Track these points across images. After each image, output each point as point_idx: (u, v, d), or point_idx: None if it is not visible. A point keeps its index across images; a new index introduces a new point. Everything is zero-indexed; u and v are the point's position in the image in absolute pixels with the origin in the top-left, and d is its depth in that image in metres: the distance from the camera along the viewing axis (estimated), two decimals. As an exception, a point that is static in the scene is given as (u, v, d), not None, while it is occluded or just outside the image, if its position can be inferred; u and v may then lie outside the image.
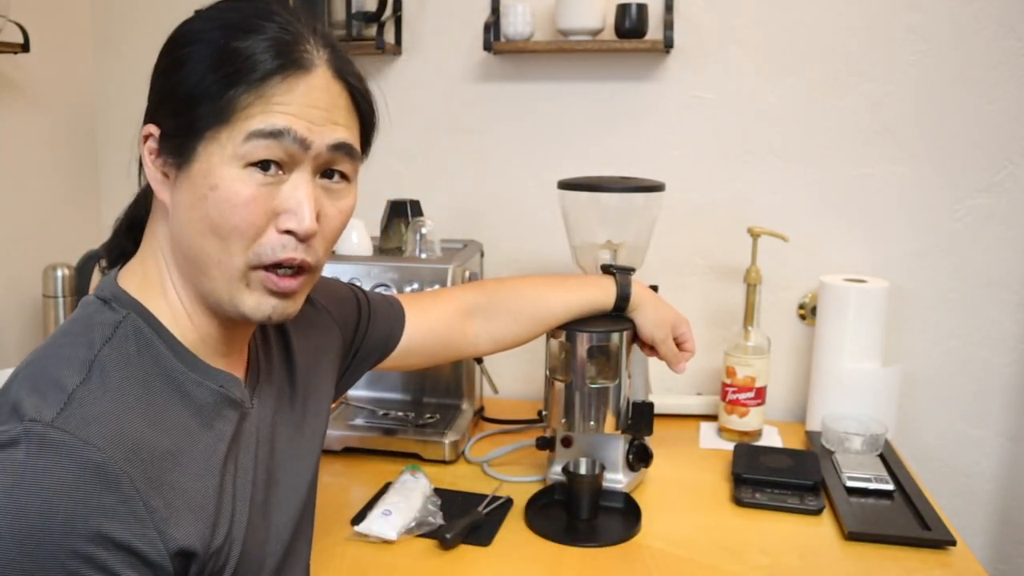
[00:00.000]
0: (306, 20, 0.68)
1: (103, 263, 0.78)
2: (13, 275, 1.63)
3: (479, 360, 1.46)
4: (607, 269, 1.23)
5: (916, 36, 1.48)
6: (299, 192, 0.65)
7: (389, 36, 1.66)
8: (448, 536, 1.10)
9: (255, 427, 0.76)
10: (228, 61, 0.63)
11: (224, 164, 0.63)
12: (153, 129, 0.67)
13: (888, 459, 1.35)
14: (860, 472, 1.28)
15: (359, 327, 0.99)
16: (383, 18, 1.59)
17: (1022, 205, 1.49)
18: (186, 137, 0.64)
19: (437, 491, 1.24)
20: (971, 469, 1.58)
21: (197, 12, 0.68)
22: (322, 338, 0.91)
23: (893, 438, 1.46)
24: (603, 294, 1.18)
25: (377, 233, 1.53)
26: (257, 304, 0.67)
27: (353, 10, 1.59)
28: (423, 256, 1.43)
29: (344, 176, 0.70)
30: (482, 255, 1.61)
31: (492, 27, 1.56)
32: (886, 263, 1.55)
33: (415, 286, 1.35)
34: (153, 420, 0.64)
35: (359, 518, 1.16)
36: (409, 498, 1.18)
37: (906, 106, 1.51)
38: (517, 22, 1.55)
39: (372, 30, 1.60)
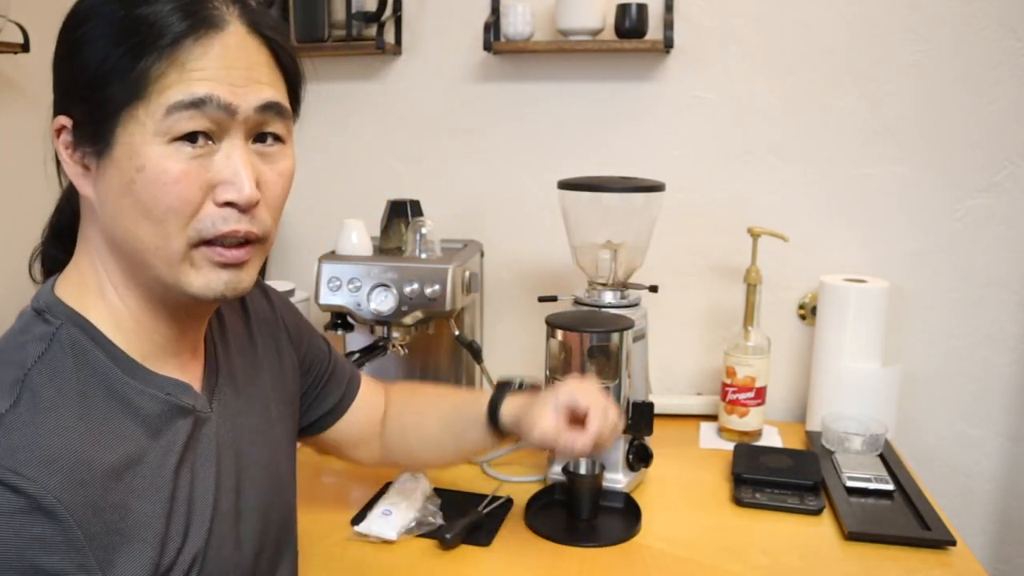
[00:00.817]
0: None
1: (40, 275, 0.74)
2: (13, 275, 1.63)
3: (479, 360, 1.46)
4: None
5: (916, 36, 1.48)
6: (233, 160, 0.61)
7: (389, 36, 1.66)
8: (448, 536, 1.10)
9: (214, 432, 0.72)
10: (133, 30, 0.58)
11: (147, 143, 0.59)
12: (64, 120, 0.62)
13: (888, 459, 1.35)
14: (860, 472, 1.28)
15: (317, 369, 0.96)
16: (383, 18, 1.59)
17: (1022, 205, 1.49)
18: (101, 121, 0.60)
19: (437, 491, 1.24)
20: (971, 469, 1.58)
21: None
22: (285, 343, 0.89)
23: (893, 438, 1.46)
24: (476, 402, 1.01)
25: (377, 233, 1.53)
26: (207, 282, 0.63)
27: (353, 10, 1.59)
28: (423, 256, 1.43)
29: (278, 138, 0.66)
30: (482, 255, 1.61)
31: (492, 27, 1.56)
32: (886, 263, 1.55)
33: (415, 286, 1.35)
34: (93, 437, 0.60)
35: (359, 518, 1.16)
36: (409, 498, 1.18)
37: (906, 106, 1.51)
38: (517, 22, 1.55)
39: (372, 30, 1.60)
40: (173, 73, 0.59)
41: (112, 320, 0.65)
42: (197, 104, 0.59)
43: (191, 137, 0.60)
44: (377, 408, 1.06)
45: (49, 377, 0.60)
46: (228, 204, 0.61)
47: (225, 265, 0.63)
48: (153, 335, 0.67)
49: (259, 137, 0.64)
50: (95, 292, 0.66)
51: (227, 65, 0.60)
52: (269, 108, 0.63)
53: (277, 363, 0.86)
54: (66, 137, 0.63)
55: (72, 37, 0.61)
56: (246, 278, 0.66)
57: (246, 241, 0.64)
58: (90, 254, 0.67)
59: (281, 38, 0.66)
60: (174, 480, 0.65)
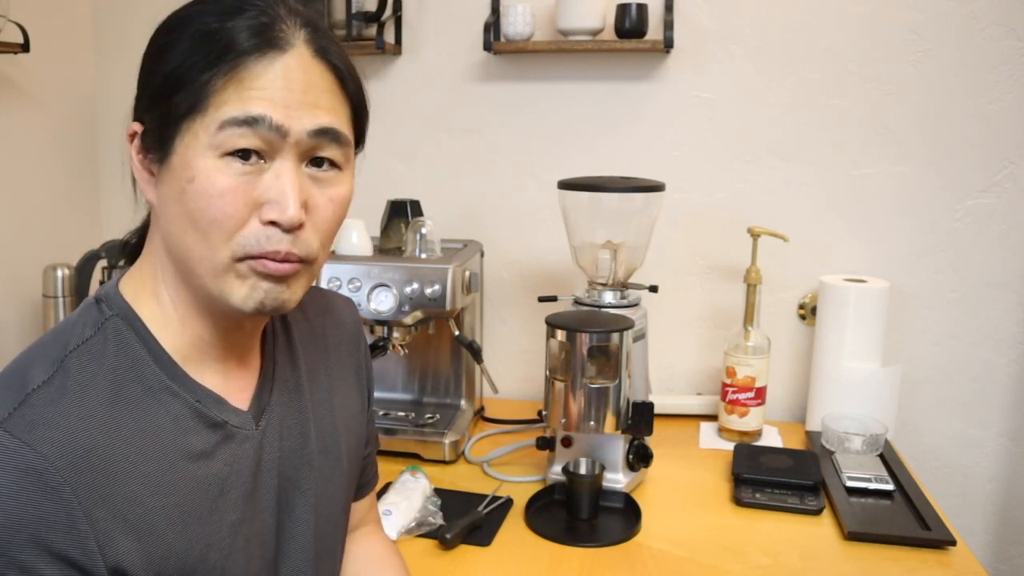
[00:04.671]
0: (284, 1, 0.65)
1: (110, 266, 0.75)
2: (13, 275, 1.63)
3: (479, 360, 1.46)
4: None
5: (916, 36, 1.48)
6: (281, 181, 0.61)
7: (389, 36, 1.66)
8: (448, 536, 1.10)
9: (256, 448, 0.70)
10: (204, 43, 0.60)
11: (200, 155, 0.60)
12: (137, 127, 0.65)
13: (888, 459, 1.35)
14: (860, 472, 1.28)
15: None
16: (383, 18, 1.59)
17: (1022, 205, 1.49)
18: (165, 128, 0.61)
19: (437, 491, 1.24)
20: (971, 469, 1.58)
21: (180, 8, 0.65)
22: (361, 384, 0.87)
23: (893, 438, 1.46)
24: None
25: (377, 233, 1.53)
26: (248, 292, 0.63)
27: (353, 10, 1.59)
28: (423, 256, 1.43)
29: (334, 164, 0.65)
30: (482, 255, 1.61)
31: (492, 27, 1.56)
32: (886, 263, 1.55)
33: (415, 286, 1.35)
34: (115, 425, 0.60)
35: (359, 518, 1.16)
36: (409, 498, 1.18)
37: (906, 106, 1.51)
38: (517, 22, 1.55)
39: (372, 30, 1.60)
40: (231, 89, 0.60)
41: (161, 319, 0.66)
42: (249, 122, 0.60)
43: (243, 154, 0.60)
44: (360, 525, 0.93)
45: (86, 361, 0.62)
46: (272, 223, 0.61)
47: (267, 276, 0.63)
48: (197, 339, 0.67)
49: (316, 161, 0.64)
50: (150, 290, 0.67)
51: (285, 87, 0.61)
52: (324, 133, 0.63)
53: (356, 402, 0.84)
54: (137, 142, 0.65)
55: (157, 44, 0.64)
56: (288, 294, 0.65)
57: (289, 259, 0.64)
58: (152, 255, 0.68)
59: (347, 66, 0.66)
60: (192, 487, 0.64)
